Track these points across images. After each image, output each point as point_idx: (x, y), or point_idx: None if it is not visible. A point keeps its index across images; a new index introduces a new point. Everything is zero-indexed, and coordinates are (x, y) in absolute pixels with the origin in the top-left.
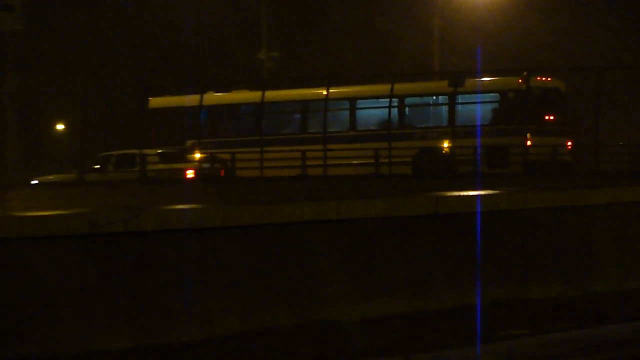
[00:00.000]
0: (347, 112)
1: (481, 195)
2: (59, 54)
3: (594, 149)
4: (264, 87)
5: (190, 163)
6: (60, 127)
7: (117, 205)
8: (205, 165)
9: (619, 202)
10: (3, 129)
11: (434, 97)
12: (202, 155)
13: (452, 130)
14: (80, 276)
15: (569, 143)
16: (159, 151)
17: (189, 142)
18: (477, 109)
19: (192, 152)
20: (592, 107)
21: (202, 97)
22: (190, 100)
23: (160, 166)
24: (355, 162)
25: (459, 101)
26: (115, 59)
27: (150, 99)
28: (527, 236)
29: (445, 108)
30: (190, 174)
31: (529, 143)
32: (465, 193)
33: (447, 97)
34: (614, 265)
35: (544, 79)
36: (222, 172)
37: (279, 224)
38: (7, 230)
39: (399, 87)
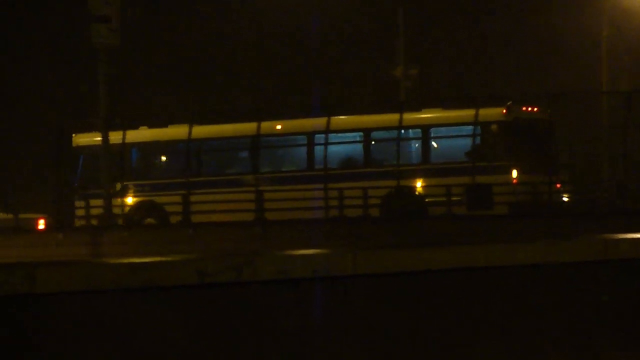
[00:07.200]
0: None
1: None
2: None
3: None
4: (193, 122)
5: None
6: None
7: None
8: None
9: None
10: None
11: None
12: (135, 199)
13: (425, 168)
14: (185, 330)
15: (560, 181)
16: None
17: (119, 185)
18: (456, 143)
19: (124, 196)
20: (622, 134)
21: (123, 133)
22: (116, 137)
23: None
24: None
25: (433, 135)
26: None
27: (74, 135)
28: None
29: (417, 143)
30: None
31: (514, 181)
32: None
33: (420, 130)
34: None
35: (529, 109)
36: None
37: (417, 272)
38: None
39: (359, 120)
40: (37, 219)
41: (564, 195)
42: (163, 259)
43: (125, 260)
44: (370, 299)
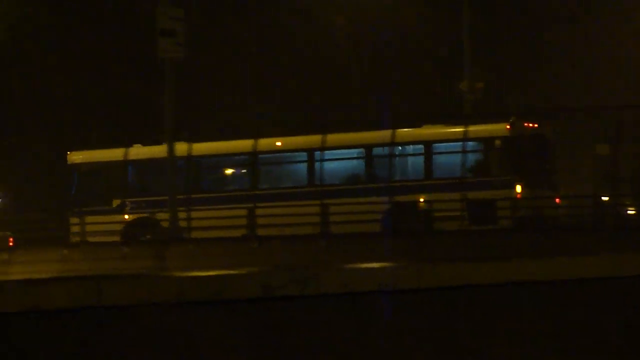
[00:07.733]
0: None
1: None
2: None
3: None
4: (189, 140)
5: None
6: None
7: None
8: None
9: None
10: None
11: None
12: (132, 216)
13: (430, 183)
14: (250, 343)
15: (558, 196)
16: None
17: (116, 202)
18: (459, 159)
19: (122, 213)
20: None
21: (124, 151)
22: (116, 154)
23: None
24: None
25: (436, 151)
26: None
27: (69, 153)
28: None
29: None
30: None
31: (518, 196)
32: None
33: (422, 146)
34: None
35: (531, 125)
36: (11, 240)
37: (482, 286)
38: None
39: (363, 136)
40: (7, 237)
41: (629, 209)
42: (228, 272)
43: (190, 274)
44: (435, 312)
